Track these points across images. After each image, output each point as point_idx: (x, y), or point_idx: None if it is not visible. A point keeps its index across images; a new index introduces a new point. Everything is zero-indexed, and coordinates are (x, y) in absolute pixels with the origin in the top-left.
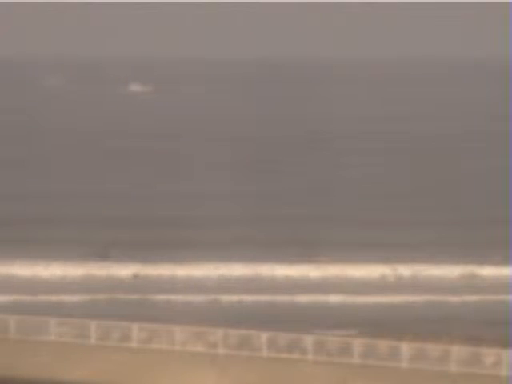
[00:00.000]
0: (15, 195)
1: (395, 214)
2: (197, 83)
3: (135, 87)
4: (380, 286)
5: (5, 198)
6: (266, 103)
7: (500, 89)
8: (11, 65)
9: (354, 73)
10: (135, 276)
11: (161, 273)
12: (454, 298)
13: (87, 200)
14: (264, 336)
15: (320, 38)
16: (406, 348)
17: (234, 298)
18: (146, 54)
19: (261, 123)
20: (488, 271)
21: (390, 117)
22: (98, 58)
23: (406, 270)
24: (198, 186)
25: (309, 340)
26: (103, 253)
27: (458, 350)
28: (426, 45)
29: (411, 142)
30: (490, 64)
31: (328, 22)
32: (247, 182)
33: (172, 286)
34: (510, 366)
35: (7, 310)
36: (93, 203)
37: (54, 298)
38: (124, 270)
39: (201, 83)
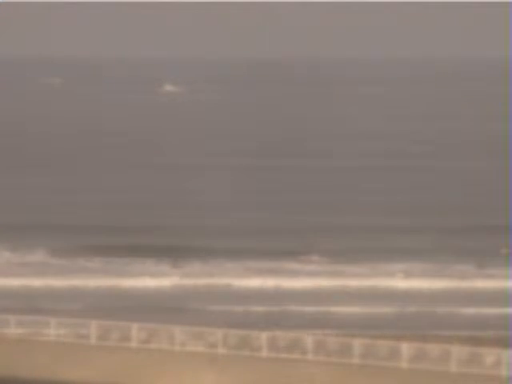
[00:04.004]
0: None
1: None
2: (222, 82)
3: (169, 87)
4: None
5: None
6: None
7: (500, 89)
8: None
9: (353, 73)
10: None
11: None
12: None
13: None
14: (264, 336)
15: (321, 38)
16: (405, 348)
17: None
18: (165, 56)
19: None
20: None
21: (390, 117)
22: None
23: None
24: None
25: (309, 340)
26: None
27: (457, 350)
28: (425, 45)
29: (412, 144)
30: (490, 64)
31: (327, 22)
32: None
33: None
34: (510, 365)
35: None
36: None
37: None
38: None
39: (226, 82)
